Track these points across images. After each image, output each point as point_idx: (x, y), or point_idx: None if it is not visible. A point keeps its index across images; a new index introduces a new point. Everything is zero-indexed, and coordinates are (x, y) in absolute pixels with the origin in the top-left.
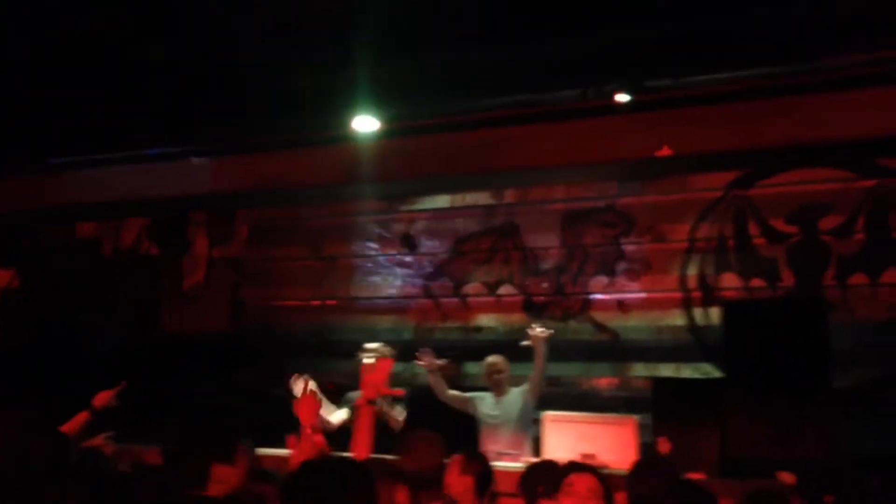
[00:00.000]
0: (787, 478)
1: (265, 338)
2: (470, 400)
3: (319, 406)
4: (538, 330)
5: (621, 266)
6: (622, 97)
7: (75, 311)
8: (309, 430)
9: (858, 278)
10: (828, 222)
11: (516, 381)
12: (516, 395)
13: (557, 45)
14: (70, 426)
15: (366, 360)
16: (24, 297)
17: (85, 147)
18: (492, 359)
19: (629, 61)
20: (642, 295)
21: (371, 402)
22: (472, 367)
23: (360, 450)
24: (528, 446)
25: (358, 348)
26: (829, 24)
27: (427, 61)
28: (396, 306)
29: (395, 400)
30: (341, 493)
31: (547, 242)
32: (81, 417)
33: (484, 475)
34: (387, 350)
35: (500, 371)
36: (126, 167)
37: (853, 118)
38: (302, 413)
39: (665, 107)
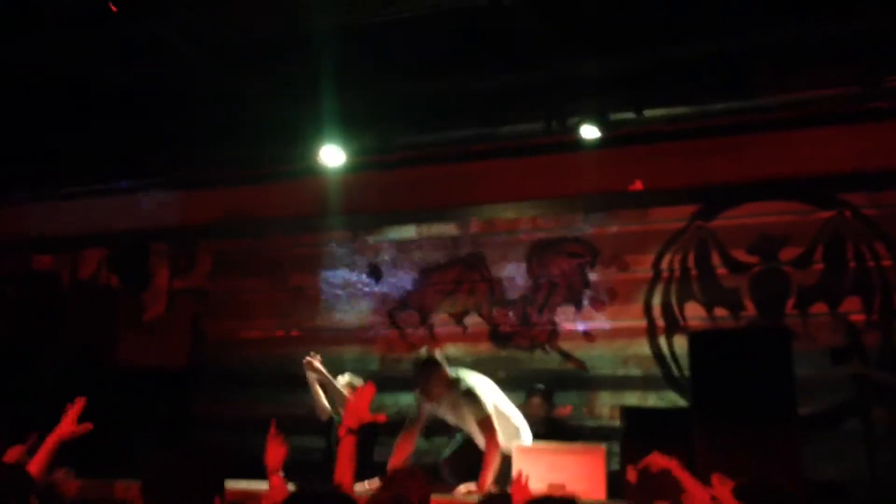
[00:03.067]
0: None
1: (227, 370)
2: None
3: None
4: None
5: (587, 296)
6: (586, 131)
7: (30, 343)
8: (276, 477)
9: (818, 307)
10: (788, 253)
11: None
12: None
13: (521, 76)
14: (36, 463)
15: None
16: None
17: (44, 180)
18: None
19: (592, 94)
20: (608, 324)
21: (352, 431)
22: None
23: (343, 478)
24: None
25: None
26: (790, 61)
27: (391, 93)
28: (362, 337)
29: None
30: None
31: (513, 273)
32: (44, 451)
33: None
34: (358, 380)
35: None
36: (86, 200)
37: (811, 154)
38: (270, 456)
39: (629, 142)
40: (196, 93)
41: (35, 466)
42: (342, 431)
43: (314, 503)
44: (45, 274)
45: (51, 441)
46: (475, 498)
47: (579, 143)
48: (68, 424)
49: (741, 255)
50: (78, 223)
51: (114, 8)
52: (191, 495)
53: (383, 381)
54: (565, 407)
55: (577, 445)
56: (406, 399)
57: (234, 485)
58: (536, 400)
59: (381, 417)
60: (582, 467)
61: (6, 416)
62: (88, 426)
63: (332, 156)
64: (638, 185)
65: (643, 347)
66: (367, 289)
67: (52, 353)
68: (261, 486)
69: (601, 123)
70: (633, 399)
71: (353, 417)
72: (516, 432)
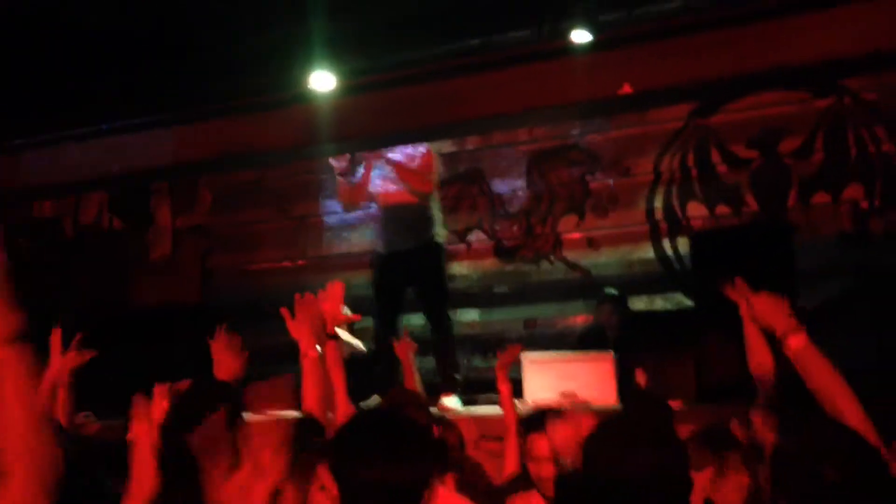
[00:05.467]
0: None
1: (237, 303)
2: None
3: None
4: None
5: (589, 203)
6: (578, 35)
7: (40, 291)
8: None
9: (821, 197)
10: (787, 144)
11: None
12: None
13: None
14: (60, 410)
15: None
16: None
17: (37, 126)
18: None
19: None
20: (611, 230)
21: (331, 335)
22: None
23: (309, 403)
24: None
25: None
26: None
27: (377, 11)
28: (367, 262)
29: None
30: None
31: (513, 185)
32: (62, 394)
33: None
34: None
35: None
36: (82, 144)
37: (807, 40)
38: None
39: (621, 44)
40: (185, 27)
41: (60, 413)
42: (307, 356)
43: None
44: (48, 221)
45: (56, 375)
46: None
47: (571, 49)
48: (72, 356)
49: (741, 151)
50: (75, 168)
51: None
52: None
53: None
54: None
55: (587, 353)
56: (416, 320)
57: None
58: (607, 307)
59: (356, 317)
60: (592, 374)
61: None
62: (91, 353)
63: (323, 81)
64: (627, 88)
65: (648, 251)
66: (368, 212)
67: (66, 301)
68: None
69: (592, 25)
70: (640, 304)
71: (328, 319)
72: None
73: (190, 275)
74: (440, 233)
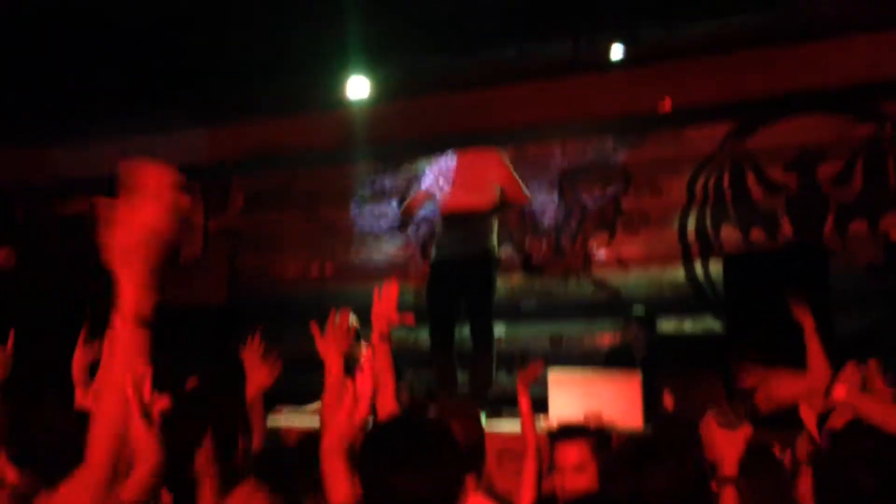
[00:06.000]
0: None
1: (264, 306)
2: None
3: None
4: None
5: (620, 222)
6: (616, 50)
7: (73, 288)
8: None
9: (858, 225)
10: (825, 170)
11: None
12: None
13: None
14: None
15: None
16: (21, 275)
17: (74, 122)
18: None
19: (621, 11)
20: (642, 250)
21: (385, 336)
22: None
23: (385, 398)
24: None
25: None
26: None
27: (415, 18)
28: (396, 269)
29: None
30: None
31: (544, 201)
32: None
33: None
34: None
35: None
36: (115, 141)
37: (848, 63)
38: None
39: (659, 60)
40: (222, 28)
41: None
42: (375, 338)
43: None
44: (81, 218)
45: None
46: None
47: (608, 63)
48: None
49: (777, 175)
50: (108, 165)
51: None
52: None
53: (419, 316)
54: None
55: (613, 372)
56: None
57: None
58: (634, 327)
59: (409, 318)
60: (618, 393)
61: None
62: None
63: (359, 87)
64: (667, 106)
65: (678, 273)
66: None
67: (96, 299)
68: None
69: (630, 41)
70: (669, 326)
71: (382, 321)
72: None
73: (217, 275)
74: (496, 245)
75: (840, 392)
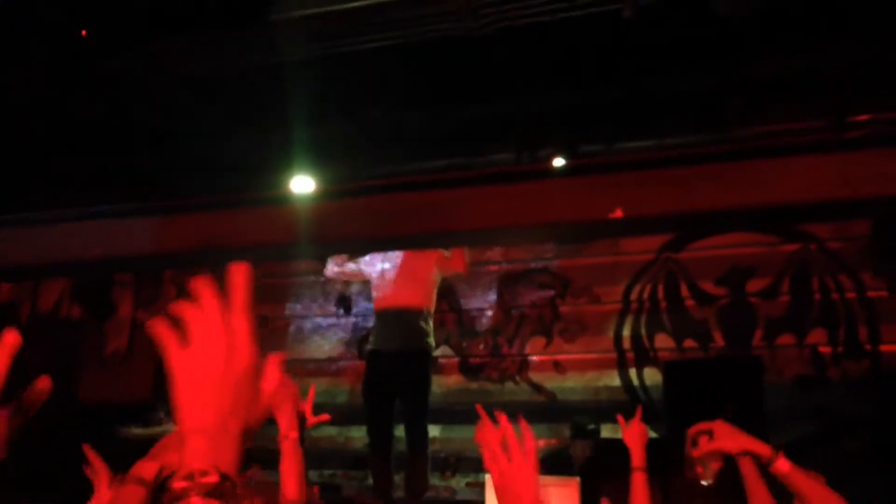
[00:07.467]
0: None
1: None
2: None
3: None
4: None
5: (557, 327)
6: (557, 161)
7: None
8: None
9: (785, 338)
10: (755, 284)
11: None
12: None
13: (492, 108)
14: None
15: None
16: None
17: (8, 208)
18: None
19: (562, 126)
20: (579, 355)
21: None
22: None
23: (289, 490)
24: None
25: None
26: (755, 93)
27: (361, 123)
28: (331, 369)
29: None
30: None
31: (483, 304)
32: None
33: None
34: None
35: None
36: (49, 227)
37: (777, 185)
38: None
39: (599, 172)
40: (164, 124)
41: None
42: (288, 437)
43: None
44: (3, 306)
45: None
46: None
47: (550, 172)
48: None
49: (709, 287)
50: (41, 251)
51: (84, 33)
52: None
53: (352, 415)
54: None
55: (552, 478)
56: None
57: None
58: (581, 442)
59: (326, 417)
60: (556, 499)
61: None
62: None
63: (303, 186)
64: (619, 213)
65: (614, 378)
66: (336, 320)
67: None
68: None
69: (571, 155)
70: (606, 431)
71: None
72: None
73: (144, 371)
74: (432, 343)
75: (786, 463)
